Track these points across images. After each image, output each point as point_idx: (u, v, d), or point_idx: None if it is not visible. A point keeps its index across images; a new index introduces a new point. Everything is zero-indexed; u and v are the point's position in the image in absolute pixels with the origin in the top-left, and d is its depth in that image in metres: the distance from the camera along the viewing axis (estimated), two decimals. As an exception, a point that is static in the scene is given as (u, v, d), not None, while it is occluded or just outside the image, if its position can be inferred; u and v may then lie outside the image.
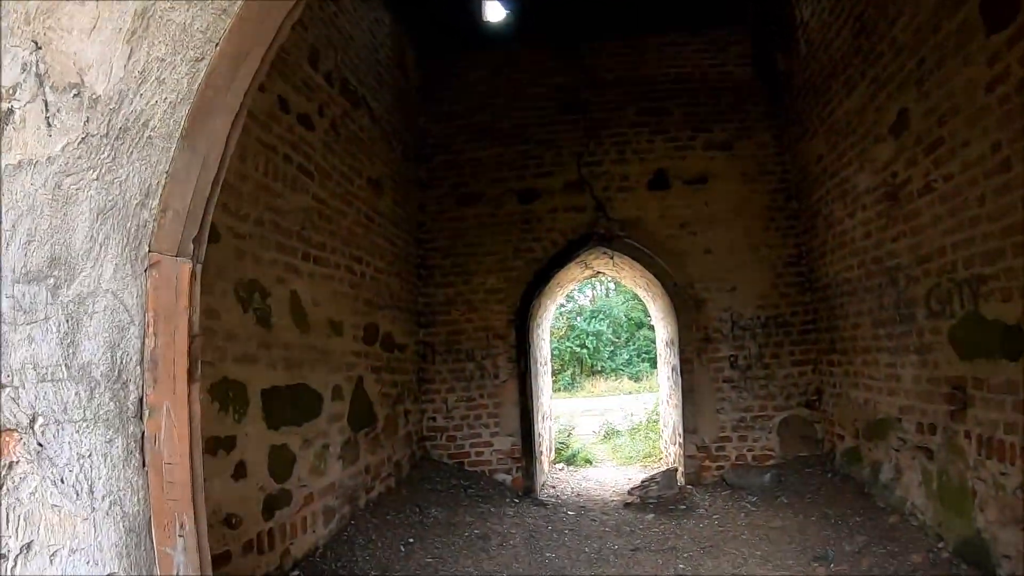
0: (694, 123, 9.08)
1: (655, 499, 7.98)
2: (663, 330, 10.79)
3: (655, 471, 8.80)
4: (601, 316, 29.37)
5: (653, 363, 26.78)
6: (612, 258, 9.59)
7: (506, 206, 9.16)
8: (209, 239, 2.02)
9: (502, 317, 8.96)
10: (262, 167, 5.29)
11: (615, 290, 29.40)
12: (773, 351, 8.58)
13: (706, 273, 8.76)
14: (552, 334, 25.76)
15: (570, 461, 12.02)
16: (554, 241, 8.97)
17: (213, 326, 4.51)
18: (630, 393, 24.19)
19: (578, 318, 29.24)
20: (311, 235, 6.04)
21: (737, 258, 8.76)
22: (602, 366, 29.09)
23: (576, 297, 28.41)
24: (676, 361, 9.16)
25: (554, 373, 26.64)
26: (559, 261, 9.06)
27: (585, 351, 28.96)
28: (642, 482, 8.41)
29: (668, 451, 10.67)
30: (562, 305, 22.46)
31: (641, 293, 11.63)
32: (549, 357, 12.48)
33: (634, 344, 29.29)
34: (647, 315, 27.65)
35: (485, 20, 8.66)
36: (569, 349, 28.63)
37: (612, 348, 29.28)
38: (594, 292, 30.43)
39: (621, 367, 28.76)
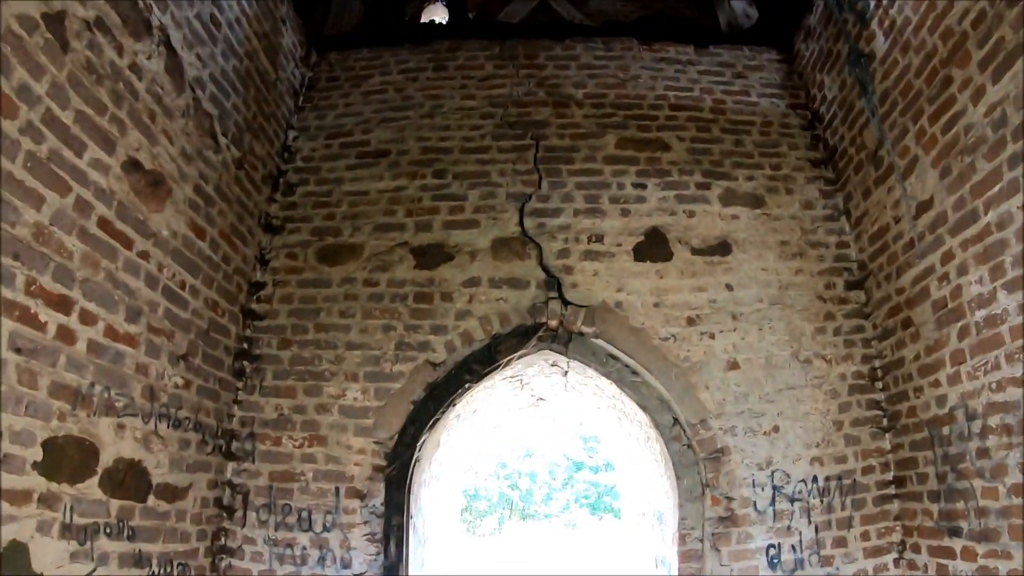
0: (706, 165, 6.35)
1: None
2: (645, 496, 7.37)
3: None
4: (536, 455, 26.76)
5: (593, 508, 25.18)
6: (566, 373, 6.48)
7: (395, 270, 6.07)
8: None
9: (365, 460, 5.60)
10: None
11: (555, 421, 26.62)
12: (837, 534, 5.52)
13: (730, 402, 5.67)
14: (476, 474, 24.01)
15: None
16: (468, 334, 5.85)
17: None
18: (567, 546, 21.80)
19: (509, 454, 26.30)
20: None
21: (779, 378, 5.75)
22: (535, 511, 26.49)
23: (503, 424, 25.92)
24: (669, 552, 5.91)
25: (480, 516, 24.22)
26: (474, 370, 5.91)
27: (517, 492, 26.36)
28: None
29: None
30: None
31: (608, 432, 8.09)
32: (452, 537, 8.72)
33: (571, 487, 26.70)
34: (590, 454, 25.50)
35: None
36: (498, 490, 26.16)
37: (547, 491, 26.67)
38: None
39: (556, 514, 26.34)
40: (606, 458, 24.28)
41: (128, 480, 4.48)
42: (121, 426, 4.37)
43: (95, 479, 4.18)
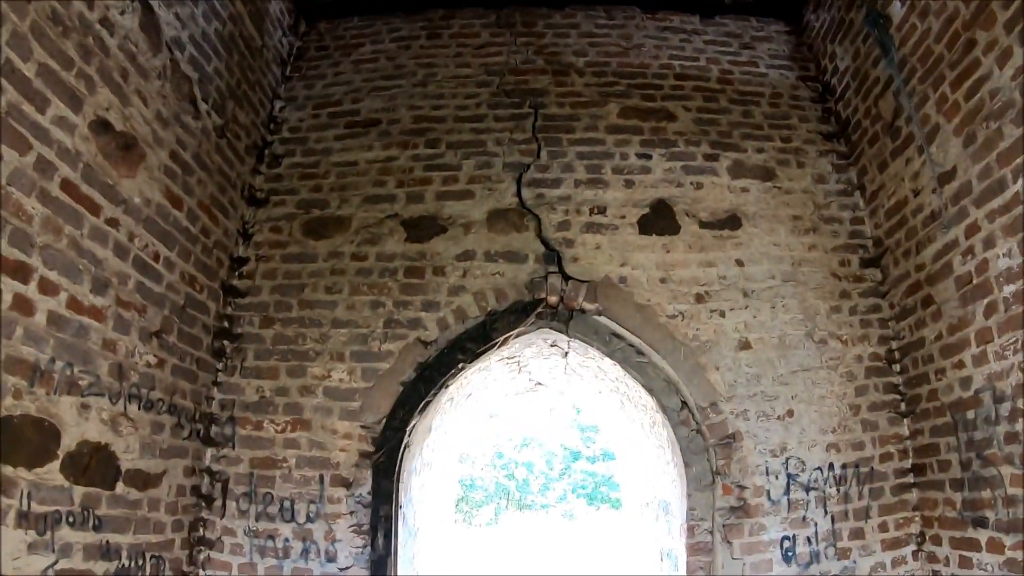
0: (713, 135, 6.07)
1: None
2: (649, 485, 7.02)
3: None
4: (533, 444, 26.52)
5: (591, 499, 24.89)
6: (566, 354, 6.16)
7: (385, 243, 5.75)
8: None
9: (352, 445, 5.28)
10: None
11: (551, 411, 26.49)
12: (854, 525, 5.22)
13: (742, 384, 5.37)
14: (472, 463, 23.82)
15: None
16: (462, 311, 5.53)
17: None
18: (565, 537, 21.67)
19: (506, 444, 26.05)
20: None
21: (793, 359, 5.47)
22: (532, 501, 26.24)
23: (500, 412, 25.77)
24: (676, 545, 5.61)
25: (476, 506, 23.99)
26: (468, 349, 5.56)
27: (513, 482, 26.05)
28: None
29: None
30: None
31: (610, 418, 7.75)
32: (446, 526, 8.39)
33: (569, 477, 26.38)
34: (587, 443, 25.24)
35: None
36: (494, 479, 25.84)
37: (544, 481, 26.35)
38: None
39: (553, 504, 26.10)
40: (604, 448, 24.18)
41: (93, 465, 4.16)
42: (85, 406, 4.05)
43: (56, 463, 3.87)
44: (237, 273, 5.69)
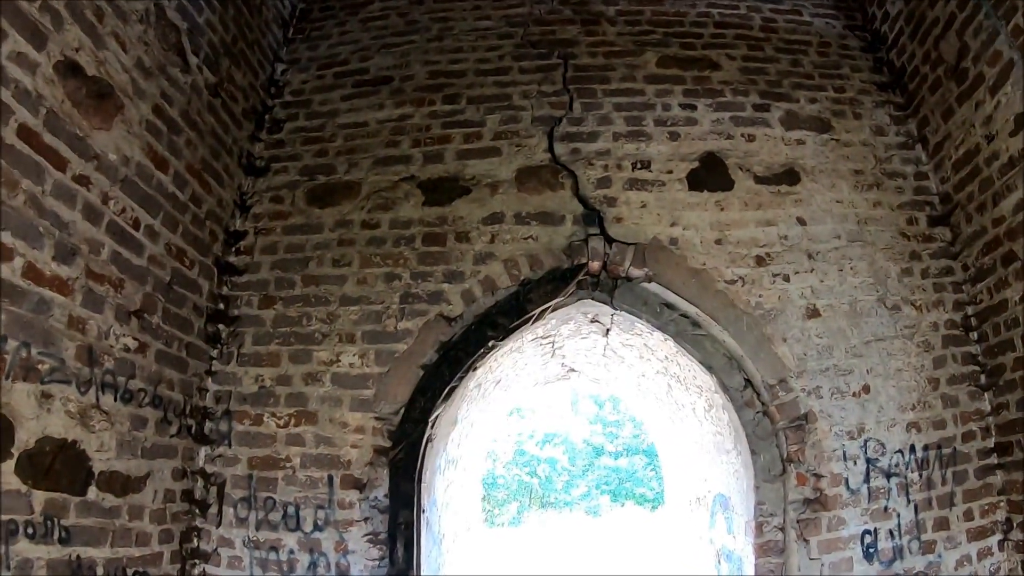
0: (762, 85, 5.71)
1: None
2: (700, 479, 6.56)
3: None
4: (556, 441, 26.17)
5: (615, 496, 24.73)
6: (608, 331, 5.70)
7: (400, 208, 5.29)
8: None
9: (365, 440, 4.81)
10: None
11: (574, 406, 26.41)
12: (939, 515, 4.80)
13: (812, 358, 4.90)
14: (492, 460, 23.41)
15: None
16: (491, 281, 5.05)
17: None
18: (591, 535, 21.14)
19: (528, 440, 25.76)
20: None
21: (866, 327, 5.03)
22: (555, 498, 25.76)
23: (523, 407, 25.22)
24: (740, 545, 5.16)
25: (497, 505, 23.63)
26: (500, 325, 5.11)
27: (536, 480, 25.65)
28: None
29: None
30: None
31: (648, 406, 7.25)
32: (474, 531, 7.84)
33: (592, 474, 25.90)
34: (611, 439, 24.89)
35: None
36: (516, 477, 25.39)
37: (567, 478, 25.95)
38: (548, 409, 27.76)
39: (577, 501, 25.59)
40: (627, 443, 23.97)
41: (58, 466, 3.68)
42: (47, 395, 3.56)
43: (9, 464, 3.40)
44: (233, 249, 5.25)
